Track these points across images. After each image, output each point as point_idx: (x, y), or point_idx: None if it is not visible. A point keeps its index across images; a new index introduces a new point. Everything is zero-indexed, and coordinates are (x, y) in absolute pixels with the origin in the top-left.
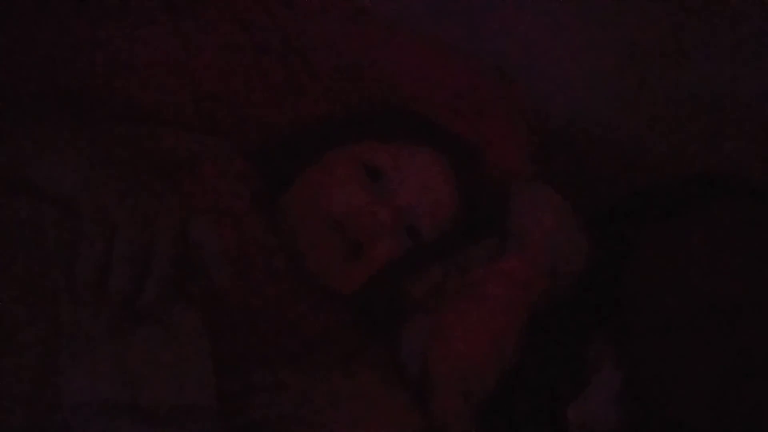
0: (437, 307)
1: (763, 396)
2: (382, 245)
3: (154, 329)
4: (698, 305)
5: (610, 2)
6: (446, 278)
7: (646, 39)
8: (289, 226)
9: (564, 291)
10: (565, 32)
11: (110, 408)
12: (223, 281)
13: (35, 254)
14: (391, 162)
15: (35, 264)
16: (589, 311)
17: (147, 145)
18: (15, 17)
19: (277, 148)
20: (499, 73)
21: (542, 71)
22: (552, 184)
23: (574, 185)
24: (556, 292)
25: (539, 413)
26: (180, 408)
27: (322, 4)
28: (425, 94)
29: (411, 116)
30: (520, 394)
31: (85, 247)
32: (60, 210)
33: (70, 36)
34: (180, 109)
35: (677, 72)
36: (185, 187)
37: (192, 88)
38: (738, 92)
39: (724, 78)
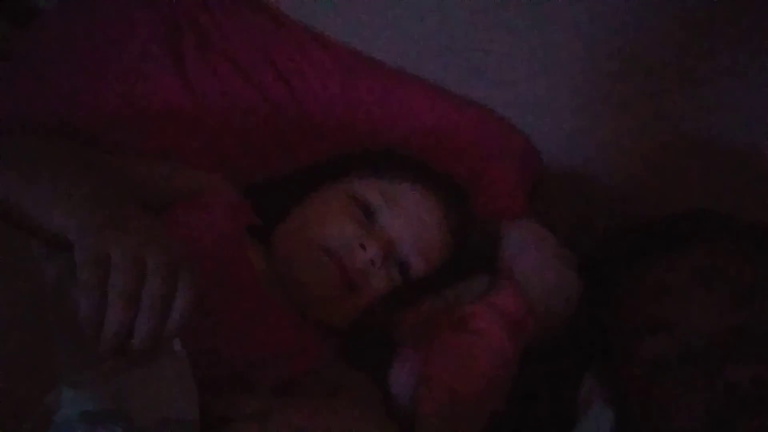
0: (427, 343)
1: None
2: (372, 280)
3: (141, 353)
4: (687, 343)
5: (609, 51)
6: (436, 314)
7: (644, 86)
8: (283, 258)
9: (556, 328)
10: (561, 76)
11: (99, 419)
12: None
13: (31, 286)
14: (382, 198)
15: (31, 296)
16: (582, 348)
17: (148, 179)
18: (37, 50)
19: (274, 182)
20: (496, 115)
21: (539, 112)
22: (545, 222)
23: (567, 224)
24: (548, 329)
25: None
26: (166, 422)
27: (324, 60)
28: (423, 137)
29: (402, 156)
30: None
31: (79, 288)
32: (55, 246)
33: (86, 74)
34: (185, 148)
35: (673, 115)
36: (182, 219)
37: (197, 130)
38: (735, 133)
39: (720, 119)
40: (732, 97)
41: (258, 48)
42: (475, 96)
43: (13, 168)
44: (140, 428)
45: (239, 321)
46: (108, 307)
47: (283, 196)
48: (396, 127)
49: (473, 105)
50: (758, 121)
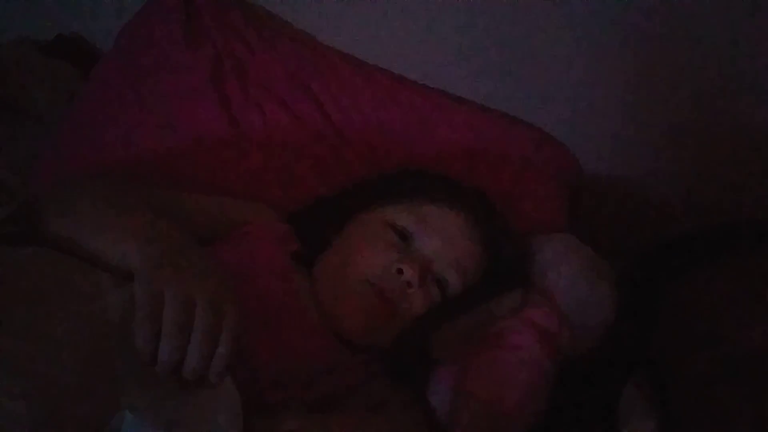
0: (464, 358)
1: None
2: (411, 302)
3: (191, 381)
4: (737, 355)
5: (653, 61)
6: (472, 328)
7: (687, 96)
8: (324, 285)
9: (592, 340)
10: (604, 87)
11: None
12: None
13: (98, 315)
14: (415, 221)
15: (98, 323)
16: (621, 360)
17: (200, 211)
18: (94, 94)
19: (313, 212)
20: (534, 127)
21: (580, 123)
22: (585, 233)
23: (608, 235)
24: (584, 340)
25: None
26: None
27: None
28: (458, 153)
29: (433, 176)
30: None
31: (136, 320)
32: (117, 278)
33: (139, 114)
34: (231, 179)
35: (716, 124)
36: (232, 248)
37: (242, 161)
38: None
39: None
40: None
41: (294, 76)
42: (513, 108)
43: (81, 208)
44: None
45: (281, 341)
46: (161, 338)
47: (323, 224)
48: (430, 146)
49: (509, 118)
50: None
